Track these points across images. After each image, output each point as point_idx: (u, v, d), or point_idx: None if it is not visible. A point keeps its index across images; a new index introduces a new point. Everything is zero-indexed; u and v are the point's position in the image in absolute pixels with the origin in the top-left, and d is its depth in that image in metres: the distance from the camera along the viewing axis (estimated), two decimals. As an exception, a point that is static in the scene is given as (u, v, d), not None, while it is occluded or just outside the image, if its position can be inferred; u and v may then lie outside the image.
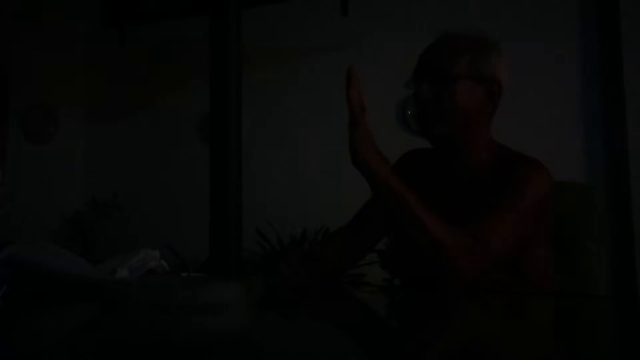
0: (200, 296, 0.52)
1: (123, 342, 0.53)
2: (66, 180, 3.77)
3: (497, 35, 1.39)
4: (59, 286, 0.98)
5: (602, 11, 2.72)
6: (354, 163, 1.22)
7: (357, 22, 3.17)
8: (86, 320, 0.79)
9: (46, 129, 3.70)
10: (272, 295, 1.09)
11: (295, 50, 3.29)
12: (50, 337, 0.67)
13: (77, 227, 3.52)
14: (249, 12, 3.01)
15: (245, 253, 2.80)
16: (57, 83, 3.70)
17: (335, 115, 3.15)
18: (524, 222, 1.23)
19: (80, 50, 3.88)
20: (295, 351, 0.59)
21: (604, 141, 2.69)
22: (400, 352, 0.58)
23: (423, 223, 1.17)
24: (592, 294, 1.38)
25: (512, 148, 1.37)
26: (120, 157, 3.76)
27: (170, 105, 3.62)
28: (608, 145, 2.68)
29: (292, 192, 3.19)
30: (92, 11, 3.89)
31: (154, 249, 1.10)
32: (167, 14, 3.64)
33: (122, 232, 3.46)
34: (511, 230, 1.21)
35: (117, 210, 3.51)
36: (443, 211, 1.29)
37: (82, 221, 3.53)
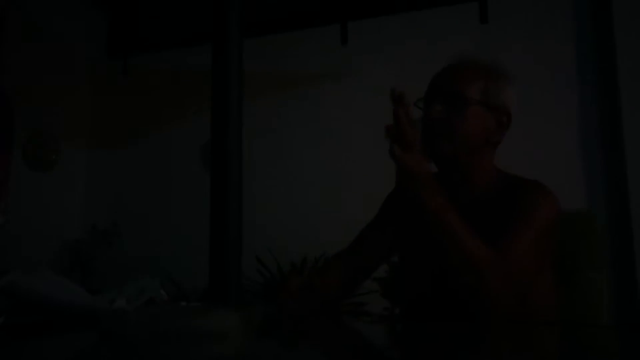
0: (199, 324, 0.52)
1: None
2: (67, 208, 3.77)
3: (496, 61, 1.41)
4: (57, 315, 0.97)
5: (598, 26, 2.76)
6: (405, 181, 1.17)
7: (357, 50, 3.21)
8: (84, 349, 0.78)
9: (48, 156, 3.71)
10: (271, 324, 1.08)
11: (296, 78, 3.32)
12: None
13: (76, 255, 3.51)
14: (251, 41, 3.06)
15: (245, 281, 2.78)
16: (59, 110, 3.72)
17: (335, 143, 3.19)
18: (540, 244, 1.22)
19: (83, 78, 3.91)
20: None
21: (603, 167, 2.70)
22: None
23: (460, 238, 1.14)
24: (595, 323, 1.37)
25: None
26: (121, 185, 3.77)
27: (171, 133, 3.63)
28: (608, 171, 2.69)
29: (293, 220, 3.19)
30: (95, 39, 3.94)
31: (153, 278, 1.10)
32: (170, 43, 3.69)
33: (122, 260, 3.44)
34: (533, 253, 1.20)
35: (117, 239, 3.49)
36: None
37: (82, 249, 3.52)
